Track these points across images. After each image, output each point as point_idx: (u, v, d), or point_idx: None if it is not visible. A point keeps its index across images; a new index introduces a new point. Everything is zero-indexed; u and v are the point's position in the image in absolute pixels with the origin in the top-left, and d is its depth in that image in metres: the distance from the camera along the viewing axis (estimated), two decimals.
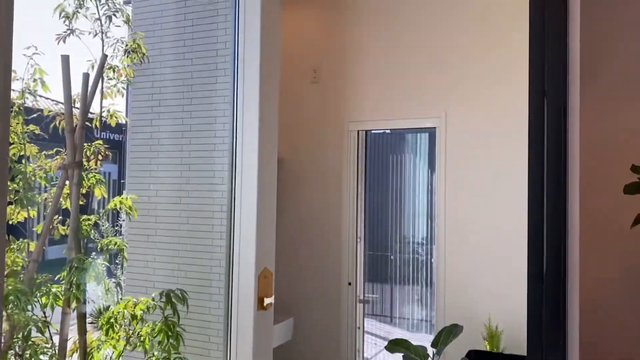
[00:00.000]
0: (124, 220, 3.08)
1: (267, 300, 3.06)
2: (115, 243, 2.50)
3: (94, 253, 2.57)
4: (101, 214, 2.69)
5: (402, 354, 2.70)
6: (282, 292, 4.20)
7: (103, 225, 2.95)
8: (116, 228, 3.29)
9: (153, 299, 2.42)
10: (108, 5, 2.67)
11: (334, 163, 4.11)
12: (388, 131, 5.47)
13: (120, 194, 2.97)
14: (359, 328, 4.06)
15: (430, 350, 2.97)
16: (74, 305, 2.35)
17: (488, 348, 3.27)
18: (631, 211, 2.01)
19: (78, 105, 2.57)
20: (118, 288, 3.17)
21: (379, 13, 4.04)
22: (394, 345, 2.67)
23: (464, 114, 3.71)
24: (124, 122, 2.87)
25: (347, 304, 4.03)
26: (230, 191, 2.92)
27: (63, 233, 2.45)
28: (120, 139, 3.50)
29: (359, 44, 4.09)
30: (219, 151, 2.93)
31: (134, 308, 2.40)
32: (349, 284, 4.03)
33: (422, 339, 6.48)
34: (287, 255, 4.21)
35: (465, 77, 3.72)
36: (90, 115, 2.67)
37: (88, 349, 2.42)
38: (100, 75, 2.64)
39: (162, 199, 2.98)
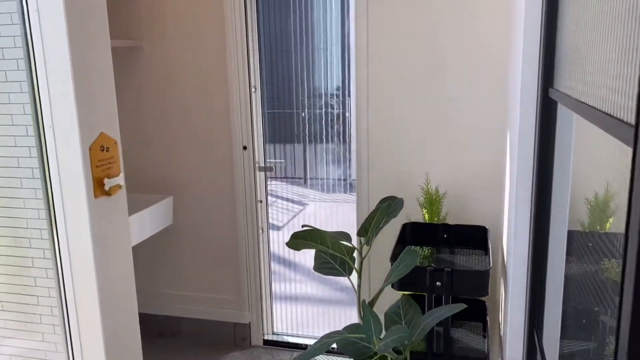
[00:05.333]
0: None
1: (109, 182, 2.07)
2: None
3: None
4: None
5: (314, 251, 1.79)
6: (154, 165, 3.19)
7: None
8: None
9: None
10: None
11: None
12: None
13: None
14: (260, 202, 3.19)
15: (355, 240, 2.13)
16: None
17: (426, 218, 2.50)
18: None
19: None
20: None
21: None
22: (299, 240, 1.72)
23: None
24: None
25: (243, 173, 3.10)
26: (23, 21, 1.77)
27: None
28: None
29: None
30: None
31: None
32: (244, 148, 3.07)
33: (339, 198, 5.88)
34: (153, 115, 3.14)
35: None
36: None
37: None
38: None
39: None
